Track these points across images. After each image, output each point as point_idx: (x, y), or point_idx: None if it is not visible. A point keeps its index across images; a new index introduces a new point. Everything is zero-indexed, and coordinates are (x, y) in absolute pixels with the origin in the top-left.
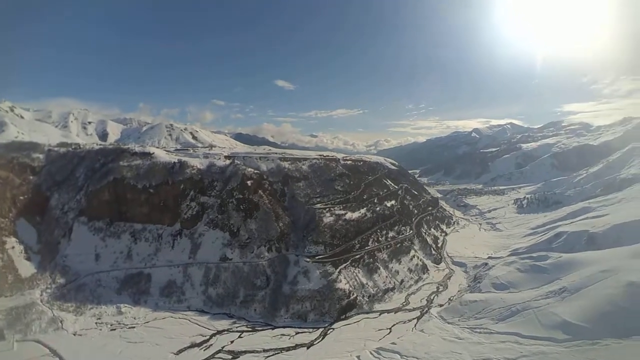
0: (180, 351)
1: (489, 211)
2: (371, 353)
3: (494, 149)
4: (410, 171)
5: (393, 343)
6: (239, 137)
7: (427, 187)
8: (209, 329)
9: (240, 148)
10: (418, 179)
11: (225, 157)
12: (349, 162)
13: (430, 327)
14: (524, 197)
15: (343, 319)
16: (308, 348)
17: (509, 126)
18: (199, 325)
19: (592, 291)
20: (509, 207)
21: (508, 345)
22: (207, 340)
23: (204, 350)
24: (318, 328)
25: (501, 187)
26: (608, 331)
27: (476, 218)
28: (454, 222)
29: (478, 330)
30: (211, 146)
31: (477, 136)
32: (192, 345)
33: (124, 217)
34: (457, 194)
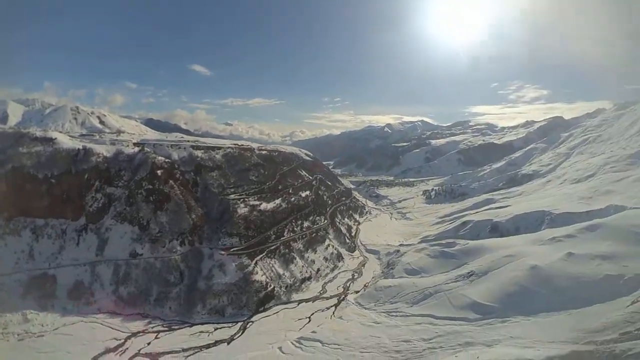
0: (94, 358)
1: (400, 201)
2: (292, 343)
3: (405, 144)
4: (324, 162)
5: (313, 332)
6: (150, 123)
7: (340, 178)
8: (122, 332)
9: (151, 135)
10: (332, 170)
11: (134, 144)
12: (264, 152)
13: (348, 313)
14: (432, 189)
15: (262, 311)
16: (228, 344)
17: (419, 123)
18: (112, 328)
19: (499, 274)
20: (418, 197)
21: (424, 327)
22: (122, 344)
23: (120, 355)
24: (237, 322)
25: (411, 179)
26: (516, 310)
27: (387, 208)
28: (366, 212)
29: (394, 314)
30: (119, 132)
31: (389, 131)
32: (107, 351)
33: (24, 211)
34: (370, 185)
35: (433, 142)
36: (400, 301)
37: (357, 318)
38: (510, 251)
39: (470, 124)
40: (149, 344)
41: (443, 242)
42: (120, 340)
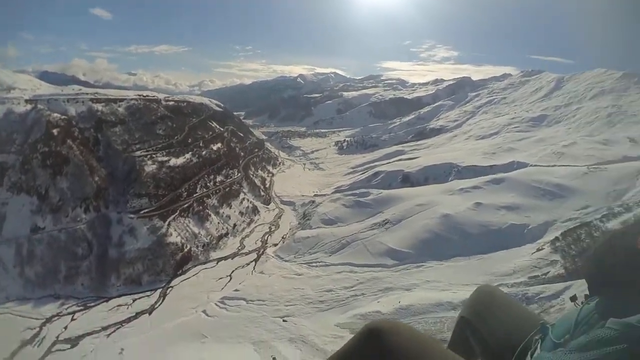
0: (13, 354)
1: (312, 152)
2: (216, 304)
3: (317, 95)
4: (235, 113)
5: (236, 290)
6: (44, 76)
7: (252, 129)
8: (36, 319)
9: (45, 89)
10: (243, 120)
11: (26, 101)
12: (171, 103)
13: (269, 267)
14: (344, 140)
15: (180, 275)
16: (150, 314)
17: (332, 75)
18: (24, 317)
19: (412, 222)
20: (331, 148)
21: (344, 275)
22: (38, 332)
23: (37, 346)
24: (156, 289)
25: (323, 130)
26: (430, 255)
27: (300, 159)
28: (279, 163)
29: (314, 265)
30: (10, 89)
31: (302, 82)
32: (23, 344)
33: None
34: (282, 136)
35: (345, 94)
36: (319, 251)
37: (279, 271)
38: (422, 200)
39: (382, 78)
40: (66, 328)
41: (357, 191)
42: (35, 329)
